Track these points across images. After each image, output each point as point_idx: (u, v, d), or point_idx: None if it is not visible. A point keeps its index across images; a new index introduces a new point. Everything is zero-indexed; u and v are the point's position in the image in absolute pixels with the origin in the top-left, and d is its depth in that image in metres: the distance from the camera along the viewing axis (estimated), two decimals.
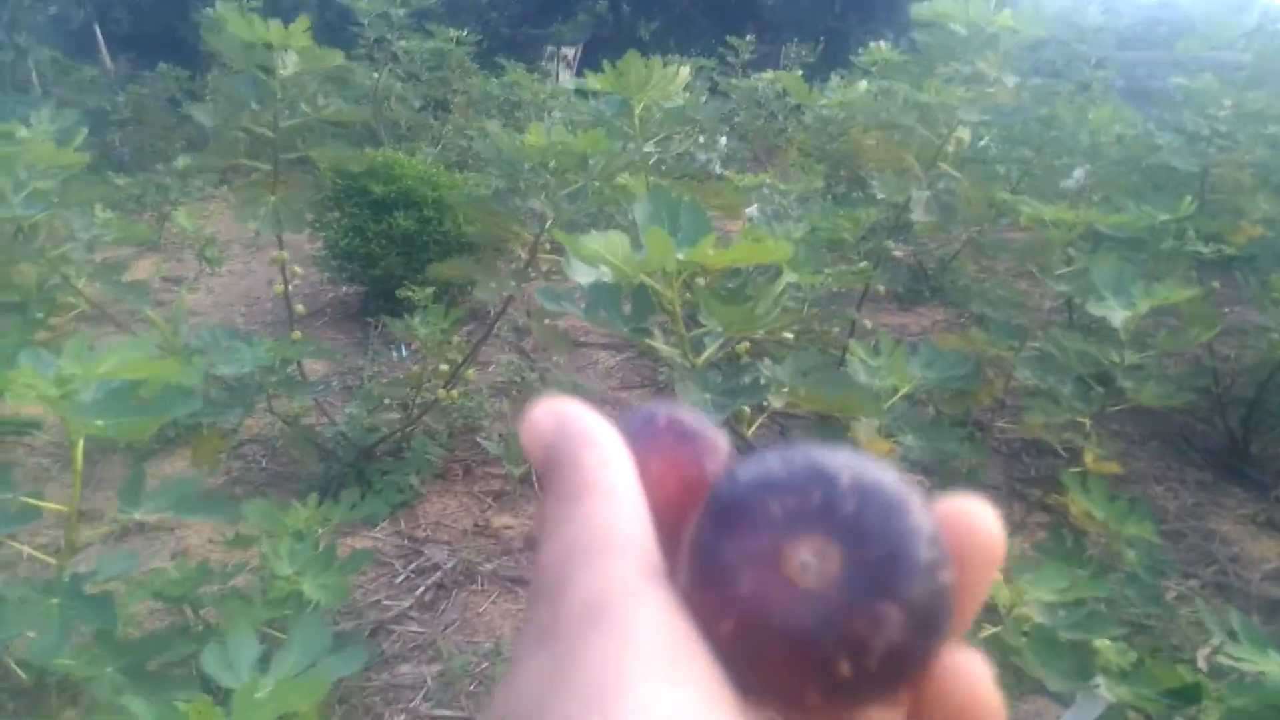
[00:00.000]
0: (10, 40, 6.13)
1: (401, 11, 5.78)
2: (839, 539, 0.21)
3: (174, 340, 2.31)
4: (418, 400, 2.28)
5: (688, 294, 1.29)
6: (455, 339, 2.39)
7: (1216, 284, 2.49)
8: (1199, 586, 2.04)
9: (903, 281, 3.90)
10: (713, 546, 0.22)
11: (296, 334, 2.13)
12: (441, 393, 2.16)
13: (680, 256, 1.10)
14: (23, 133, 2.99)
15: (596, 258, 1.11)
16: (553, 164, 1.88)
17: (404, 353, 3.31)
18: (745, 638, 0.21)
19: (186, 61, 7.57)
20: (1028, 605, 1.21)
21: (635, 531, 0.24)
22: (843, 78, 5.03)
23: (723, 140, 5.14)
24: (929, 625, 0.21)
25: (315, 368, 3.22)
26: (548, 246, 1.94)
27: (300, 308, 2.15)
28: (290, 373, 2.07)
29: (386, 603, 1.91)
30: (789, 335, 1.87)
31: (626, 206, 2.06)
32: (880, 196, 2.29)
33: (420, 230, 3.66)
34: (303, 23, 1.92)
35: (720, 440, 0.27)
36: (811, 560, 0.21)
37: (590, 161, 1.87)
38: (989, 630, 1.20)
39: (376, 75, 6.07)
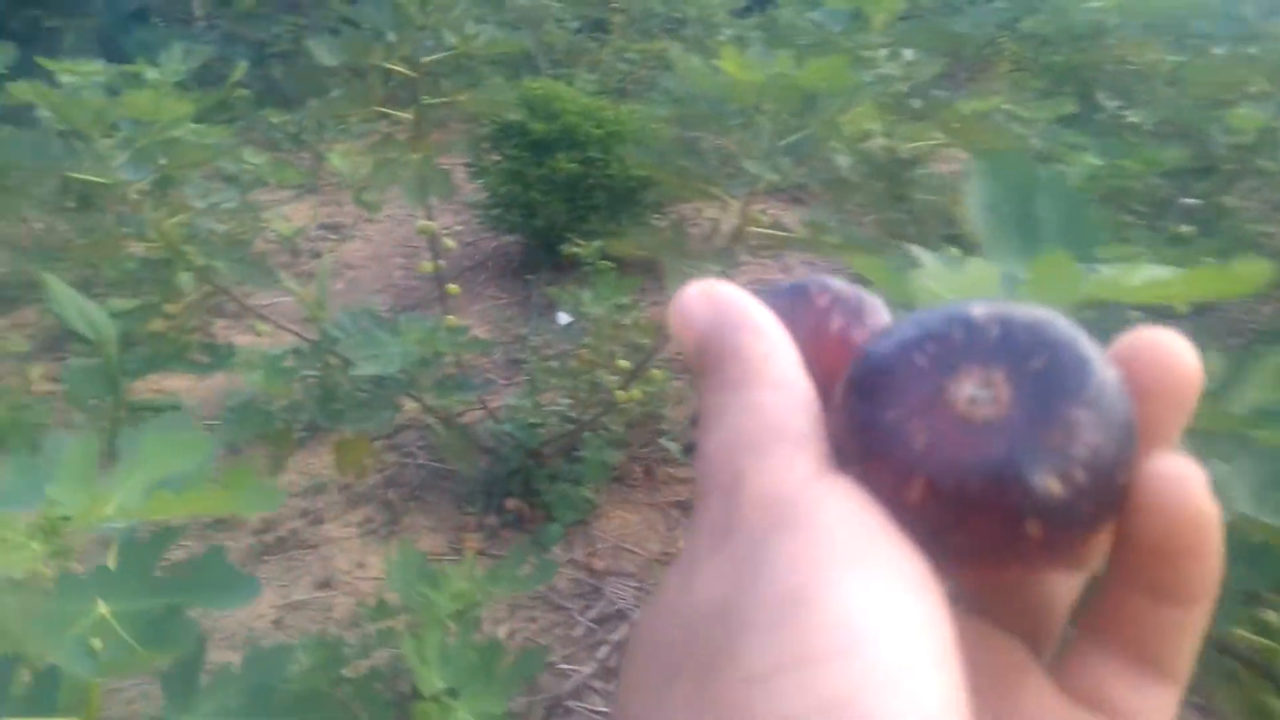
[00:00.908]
0: None
1: None
2: (997, 363, 0.20)
3: (318, 314, 2.00)
4: (590, 398, 1.89)
5: None
6: (634, 315, 1.97)
7: None
8: None
9: None
10: (871, 414, 0.21)
11: (451, 319, 1.76)
12: (620, 395, 1.75)
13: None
14: (151, 73, 2.71)
15: (930, 296, 0.64)
16: (769, 104, 1.40)
17: (569, 318, 2.94)
18: (940, 495, 0.20)
19: None
20: None
21: (806, 422, 0.22)
22: None
23: (908, 53, 4.48)
24: (1121, 424, 0.20)
25: (478, 333, 2.89)
26: (760, 216, 1.47)
27: (453, 287, 1.77)
28: (446, 365, 1.71)
29: (563, 666, 1.54)
30: None
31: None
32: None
33: (584, 173, 3.24)
34: None
35: (876, 307, 0.26)
36: (979, 390, 0.20)
37: (820, 100, 1.38)
38: None
39: None
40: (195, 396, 2.42)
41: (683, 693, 0.19)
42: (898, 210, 1.53)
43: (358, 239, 3.93)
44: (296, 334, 1.75)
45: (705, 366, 0.24)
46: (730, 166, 1.47)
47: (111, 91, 2.88)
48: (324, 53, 1.49)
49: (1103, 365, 0.20)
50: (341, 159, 4.29)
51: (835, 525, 0.20)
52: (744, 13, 6.22)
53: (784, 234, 1.46)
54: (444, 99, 1.61)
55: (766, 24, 5.67)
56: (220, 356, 1.69)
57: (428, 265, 1.72)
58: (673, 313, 0.25)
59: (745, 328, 0.24)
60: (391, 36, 1.60)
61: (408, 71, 1.57)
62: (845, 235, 1.38)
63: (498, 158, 3.35)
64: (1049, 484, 0.19)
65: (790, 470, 0.21)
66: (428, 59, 1.59)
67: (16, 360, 2.48)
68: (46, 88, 1.46)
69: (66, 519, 0.54)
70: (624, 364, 1.78)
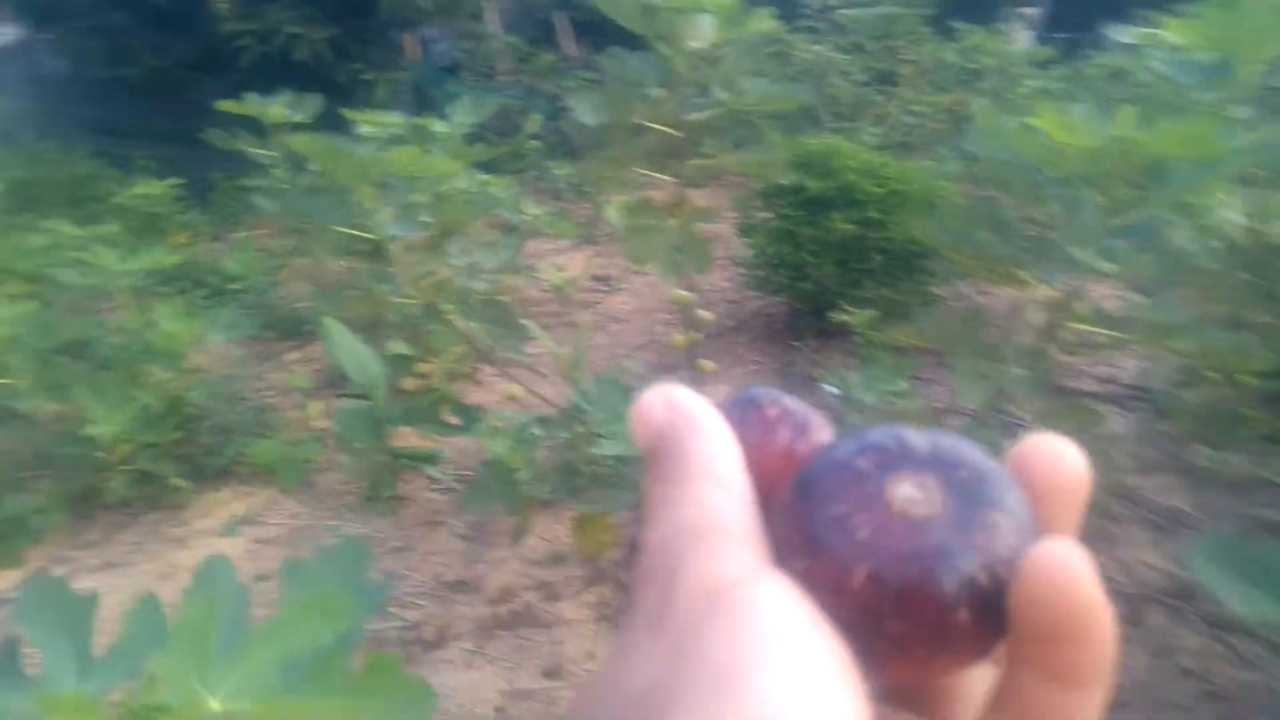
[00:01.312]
0: (468, 30, 6.46)
1: None
2: (929, 471, 0.22)
3: (574, 376, 1.93)
4: None
5: None
6: (911, 405, 1.74)
7: None
8: None
9: None
10: (817, 510, 0.23)
11: (709, 364, 1.62)
12: None
13: None
14: (439, 127, 2.80)
15: None
16: (1101, 175, 1.14)
17: (835, 391, 2.72)
18: (881, 582, 0.21)
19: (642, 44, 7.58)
20: None
21: (744, 518, 0.24)
22: None
23: None
24: (1029, 529, 0.22)
25: None
26: (1078, 307, 1.21)
27: (708, 365, 1.63)
28: None
29: None
30: None
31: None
32: None
33: (860, 235, 3.01)
34: None
35: (822, 425, 0.27)
36: (914, 492, 0.22)
37: (1171, 171, 1.11)
38: None
39: (818, 47, 5.52)
40: (455, 446, 2.43)
41: None
42: (1267, 309, 1.21)
43: (625, 291, 3.92)
44: (545, 400, 1.67)
45: (655, 463, 0.25)
46: (1043, 245, 1.22)
47: (401, 142, 3.04)
48: (585, 110, 1.40)
49: (1012, 480, 0.23)
50: (617, 212, 4.34)
51: (768, 614, 0.21)
52: (1045, 64, 5.75)
53: (1113, 334, 1.19)
54: (710, 159, 1.48)
55: (1072, 76, 5.19)
56: (470, 419, 1.65)
57: (680, 339, 1.59)
58: (632, 414, 0.26)
59: (693, 429, 0.25)
60: (657, 92, 1.49)
61: (671, 130, 1.45)
62: (1200, 338, 1.09)
63: (768, 215, 3.21)
64: (980, 575, 0.21)
65: (727, 562, 0.22)
66: (695, 116, 1.47)
67: (300, 394, 2.62)
68: (320, 140, 1.48)
69: (162, 711, 0.43)
70: None
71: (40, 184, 4.42)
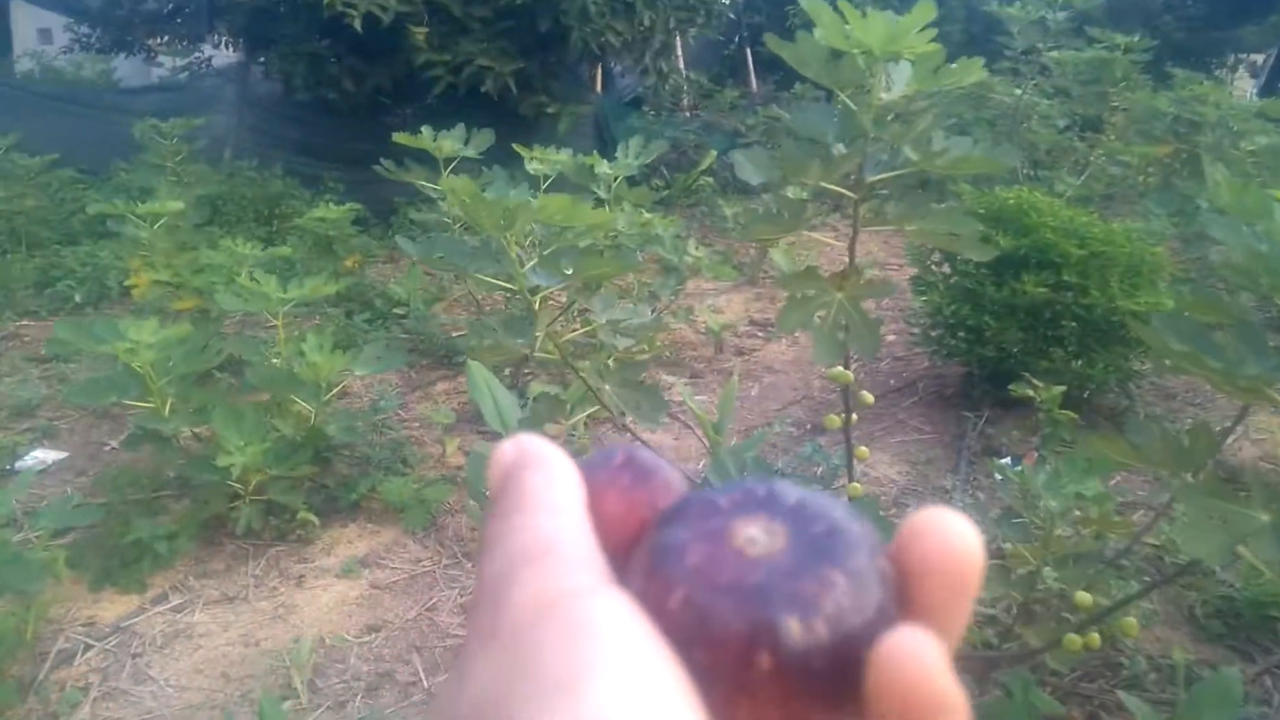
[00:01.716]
0: (654, 65, 6.44)
1: (1061, 15, 4.77)
2: (783, 519, 0.23)
3: (715, 439, 1.78)
4: (1024, 617, 1.43)
5: None
6: (1104, 509, 1.48)
7: None
8: None
9: None
10: (663, 537, 0.23)
11: (855, 488, 1.43)
12: (1071, 640, 1.27)
13: None
14: (603, 167, 2.70)
15: None
16: None
17: (1011, 472, 2.44)
18: (692, 607, 0.21)
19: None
20: None
21: (578, 541, 0.23)
22: None
23: None
24: (874, 606, 0.21)
25: (889, 473, 2.51)
26: None
27: (863, 451, 1.43)
28: None
29: None
30: None
31: None
32: None
33: (1052, 299, 2.72)
34: (925, 12, 1.20)
35: (676, 479, 0.27)
36: (759, 534, 0.22)
37: None
38: None
39: (1019, 91, 5.16)
40: None
41: None
42: None
43: (784, 339, 3.73)
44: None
45: (494, 501, 0.25)
46: None
47: (564, 182, 2.98)
48: (748, 169, 1.25)
49: (873, 547, 0.22)
50: (783, 255, 4.16)
51: (602, 625, 0.20)
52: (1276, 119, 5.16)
53: None
54: (888, 225, 1.30)
55: None
56: None
57: (835, 420, 1.41)
58: (489, 463, 0.27)
59: (532, 466, 0.25)
60: (839, 149, 1.33)
61: (846, 193, 1.28)
62: None
63: (948, 271, 2.96)
64: (790, 624, 0.20)
65: (559, 579, 0.22)
66: (877, 178, 1.29)
67: (442, 429, 2.57)
68: (466, 183, 1.39)
69: None
70: (1085, 597, 1.30)
71: (233, 199, 4.67)
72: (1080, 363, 2.73)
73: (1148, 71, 6.01)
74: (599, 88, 7.03)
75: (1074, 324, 2.72)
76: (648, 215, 3.27)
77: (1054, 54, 5.25)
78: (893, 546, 0.23)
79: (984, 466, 2.50)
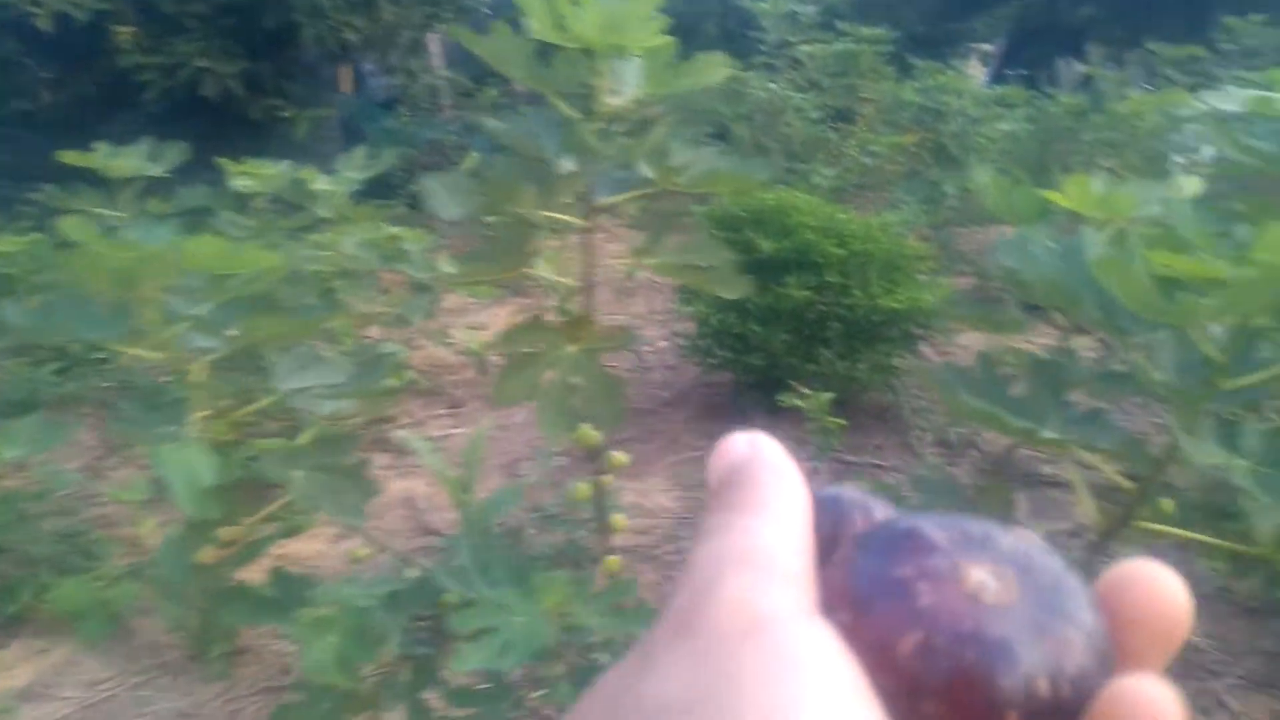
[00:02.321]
0: (403, 64, 6.05)
1: (811, 9, 4.79)
2: (1009, 565, 0.21)
3: (463, 500, 1.52)
4: None
5: None
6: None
7: None
8: None
9: None
10: (879, 567, 0.21)
11: (613, 561, 1.21)
12: None
13: None
14: (321, 183, 2.38)
15: None
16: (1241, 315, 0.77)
17: None
18: (932, 654, 0.20)
19: None
20: None
21: (794, 558, 0.22)
22: None
23: None
24: (1108, 661, 0.21)
25: (663, 501, 2.32)
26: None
27: (620, 458, 1.22)
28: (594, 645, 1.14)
29: None
30: None
31: None
32: None
33: (815, 301, 2.63)
34: (646, 2, 0.98)
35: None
36: (990, 579, 0.21)
37: None
38: None
39: (774, 85, 5.17)
40: (331, 568, 1.98)
41: None
42: None
43: None
44: (402, 557, 1.25)
45: (719, 493, 0.24)
46: (1096, 419, 0.84)
47: (280, 202, 2.60)
48: (442, 199, 1.00)
49: (1094, 601, 0.21)
50: (548, 264, 3.91)
51: (812, 658, 0.19)
52: (1009, 104, 5.48)
53: (1212, 540, 0.81)
54: (630, 260, 1.08)
55: (1038, 116, 4.90)
56: (290, 592, 1.20)
57: (584, 489, 1.17)
58: (715, 453, 0.26)
59: (766, 466, 0.24)
60: (567, 167, 1.09)
61: (576, 220, 1.05)
62: None
63: None
64: (1040, 683, 0.20)
65: (769, 595, 0.21)
66: (608, 201, 1.07)
67: (138, 505, 2.14)
68: (83, 227, 1.05)
69: None
70: None
71: None
72: (846, 364, 2.66)
73: (892, 62, 6.23)
74: (348, 89, 6.51)
75: (838, 324, 2.65)
76: (393, 230, 2.96)
77: (805, 48, 5.31)
78: (1097, 594, 0.22)
79: None
